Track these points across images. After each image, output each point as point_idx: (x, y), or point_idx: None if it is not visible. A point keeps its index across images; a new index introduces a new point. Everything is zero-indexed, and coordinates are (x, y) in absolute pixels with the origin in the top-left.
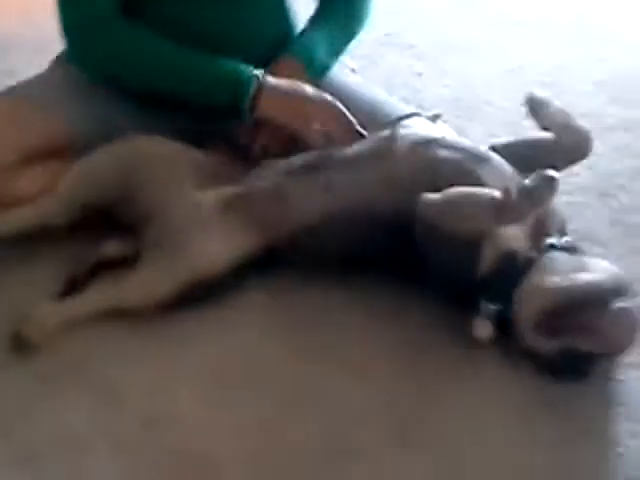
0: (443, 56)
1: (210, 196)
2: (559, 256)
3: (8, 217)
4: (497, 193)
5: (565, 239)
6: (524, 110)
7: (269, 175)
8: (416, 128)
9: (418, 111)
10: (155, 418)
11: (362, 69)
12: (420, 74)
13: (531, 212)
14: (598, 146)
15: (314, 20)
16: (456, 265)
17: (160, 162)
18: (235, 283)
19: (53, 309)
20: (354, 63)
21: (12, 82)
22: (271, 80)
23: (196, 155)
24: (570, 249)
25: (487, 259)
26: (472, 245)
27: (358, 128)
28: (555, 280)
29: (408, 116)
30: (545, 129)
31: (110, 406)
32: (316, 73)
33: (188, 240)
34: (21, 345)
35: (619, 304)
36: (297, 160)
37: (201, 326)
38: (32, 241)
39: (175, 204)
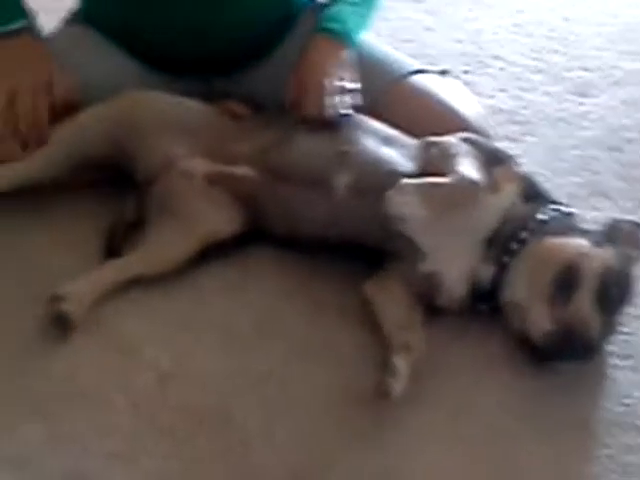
0: (452, 10)
1: (198, 168)
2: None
3: None
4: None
5: (551, 208)
6: (533, 64)
7: (249, 156)
8: (365, 142)
9: (426, 67)
10: (169, 373)
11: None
12: (430, 29)
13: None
14: (607, 100)
15: None
16: None
17: (152, 121)
18: (239, 245)
19: (87, 285)
20: None
21: None
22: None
23: (193, 113)
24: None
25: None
26: None
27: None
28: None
29: (416, 72)
30: None
31: (126, 362)
32: (351, 46)
33: (188, 209)
34: (62, 323)
35: None
36: (264, 159)
37: (212, 285)
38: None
39: (167, 173)
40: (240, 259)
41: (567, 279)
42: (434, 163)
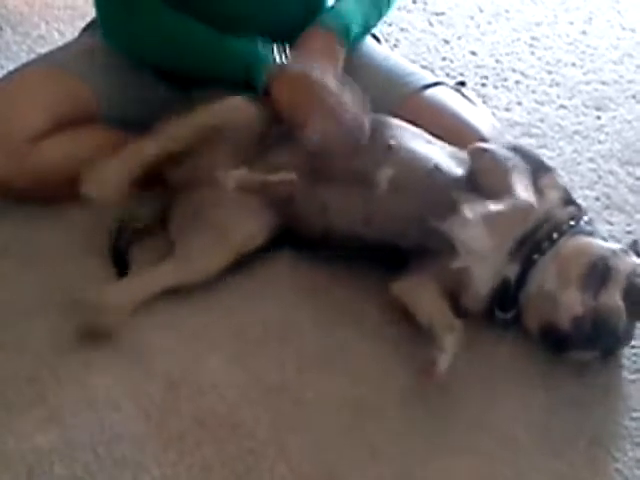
0: (470, 23)
1: (230, 180)
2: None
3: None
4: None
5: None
6: (549, 78)
7: (284, 163)
8: (408, 140)
9: (443, 79)
10: (180, 381)
11: (389, 36)
12: (447, 41)
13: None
14: (624, 114)
15: None
16: None
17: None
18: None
19: (123, 295)
20: (380, 31)
21: (43, 50)
22: (290, 65)
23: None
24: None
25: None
26: None
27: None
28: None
29: (432, 85)
30: None
31: (137, 370)
32: (348, 44)
33: (222, 218)
34: (96, 334)
35: None
36: (305, 162)
37: (226, 294)
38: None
39: (199, 181)
40: (255, 268)
41: (599, 271)
42: (487, 174)
